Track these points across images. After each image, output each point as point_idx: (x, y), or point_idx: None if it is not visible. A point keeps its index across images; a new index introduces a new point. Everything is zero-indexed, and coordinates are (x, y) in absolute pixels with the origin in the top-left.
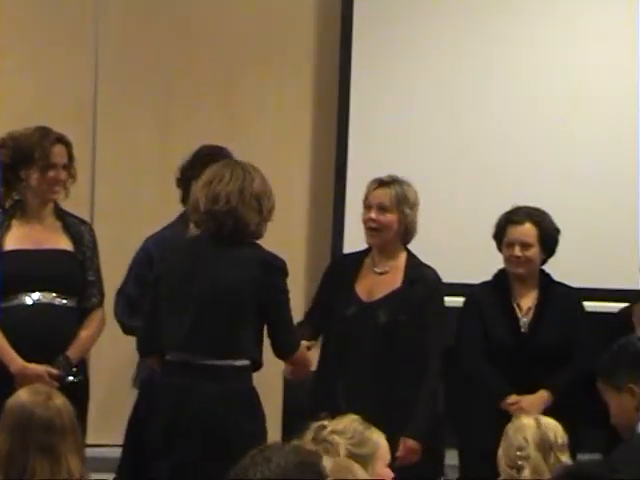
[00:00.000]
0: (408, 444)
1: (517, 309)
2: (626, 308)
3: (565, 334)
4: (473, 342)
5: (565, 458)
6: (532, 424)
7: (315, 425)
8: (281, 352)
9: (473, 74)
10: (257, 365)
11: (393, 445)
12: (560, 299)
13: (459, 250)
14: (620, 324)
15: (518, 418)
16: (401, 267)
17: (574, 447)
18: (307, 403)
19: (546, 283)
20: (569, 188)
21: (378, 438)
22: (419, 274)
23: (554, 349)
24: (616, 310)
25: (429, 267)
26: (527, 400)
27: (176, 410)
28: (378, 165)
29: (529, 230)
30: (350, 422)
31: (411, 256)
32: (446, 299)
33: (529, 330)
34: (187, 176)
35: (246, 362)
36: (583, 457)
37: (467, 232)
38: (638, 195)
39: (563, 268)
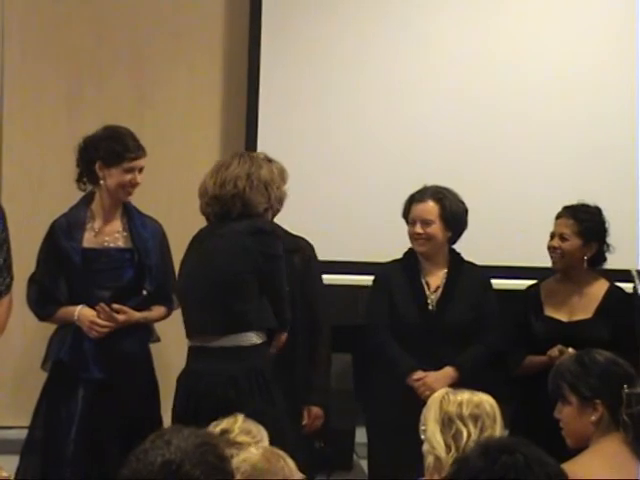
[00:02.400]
0: (313, 412)
1: (425, 287)
2: (533, 286)
3: (473, 312)
4: (381, 319)
5: (472, 429)
6: (438, 398)
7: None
8: (281, 321)
9: (386, 56)
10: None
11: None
12: (468, 277)
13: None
14: (527, 302)
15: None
16: None
17: None
18: None
19: (455, 262)
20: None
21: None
22: (294, 245)
23: (462, 327)
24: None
25: (302, 238)
26: (432, 376)
27: (188, 395)
28: (287, 147)
29: (430, 207)
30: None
31: (281, 228)
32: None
33: (437, 308)
34: (86, 157)
35: (255, 341)
36: None
37: (385, 209)
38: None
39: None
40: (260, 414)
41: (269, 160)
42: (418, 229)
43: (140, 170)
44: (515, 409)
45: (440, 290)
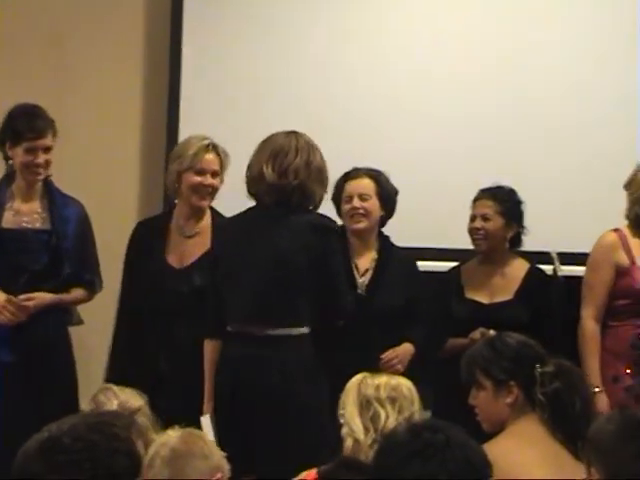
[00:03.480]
0: None
1: (355, 270)
2: (454, 268)
3: (402, 296)
4: None
5: (390, 412)
6: (357, 381)
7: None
8: (336, 316)
9: (318, 36)
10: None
11: None
12: (398, 261)
13: None
14: (448, 284)
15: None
16: (208, 227)
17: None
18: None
19: (385, 245)
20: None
21: None
22: None
23: (392, 312)
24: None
25: None
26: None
27: (237, 381)
28: (210, 126)
29: (367, 183)
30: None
31: (215, 214)
32: None
33: (366, 292)
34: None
35: (305, 330)
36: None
37: None
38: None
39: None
40: (311, 405)
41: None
42: (356, 203)
43: (46, 150)
44: (437, 391)
45: (370, 274)
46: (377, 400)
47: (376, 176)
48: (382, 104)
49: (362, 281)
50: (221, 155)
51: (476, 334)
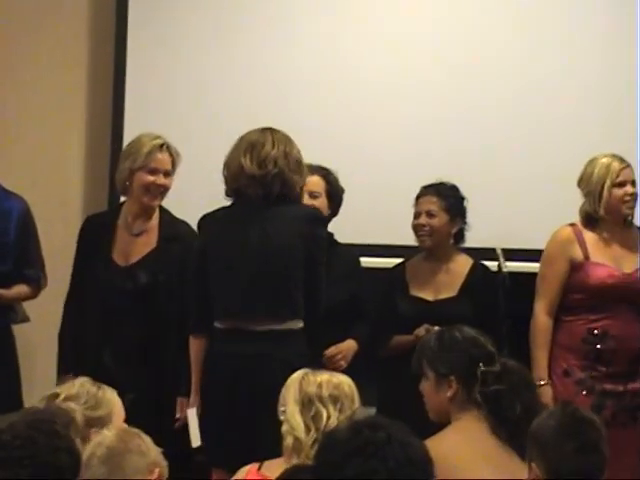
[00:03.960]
0: (186, 403)
1: None
2: (398, 265)
3: (346, 292)
4: None
5: (331, 410)
6: (297, 378)
7: (48, 394)
8: (313, 310)
9: (262, 31)
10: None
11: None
12: (341, 258)
13: None
14: (392, 281)
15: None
16: (156, 226)
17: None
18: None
19: (329, 243)
20: None
21: (111, 396)
22: (175, 231)
23: (337, 308)
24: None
25: (185, 222)
26: (340, 348)
27: (238, 378)
28: (154, 124)
29: (317, 181)
30: (81, 385)
31: (164, 213)
32: None
33: None
34: None
35: (302, 324)
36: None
37: None
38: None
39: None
40: None
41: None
42: (306, 201)
43: None
44: (381, 389)
45: None
46: (319, 398)
47: (326, 174)
48: (324, 100)
49: None
50: (173, 155)
51: (421, 330)
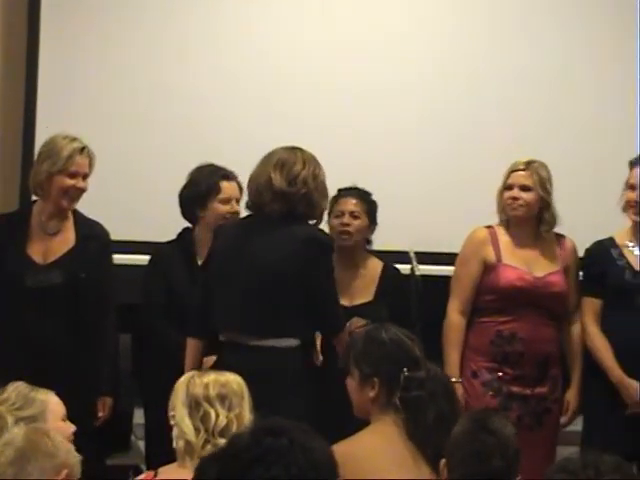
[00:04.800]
0: (107, 403)
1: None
2: None
3: None
4: (156, 300)
5: (220, 410)
6: (185, 381)
7: None
8: (327, 331)
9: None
10: (308, 342)
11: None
12: None
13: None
14: None
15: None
16: (71, 225)
17: None
18: None
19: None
20: None
21: (45, 396)
22: (90, 231)
23: None
24: None
25: (98, 222)
26: (212, 360)
27: None
28: (68, 121)
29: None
30: (14, 388)
31: (76, 212)
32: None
33: None
34: None
35: (292, 342)
36: None
37: (162, 188)
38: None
39: None
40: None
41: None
42: (235, 207)
43: None
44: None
45: None
46: (206, 399)
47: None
48: (222, 92)
49: None
50: (91, 157)
51: (350, 326)
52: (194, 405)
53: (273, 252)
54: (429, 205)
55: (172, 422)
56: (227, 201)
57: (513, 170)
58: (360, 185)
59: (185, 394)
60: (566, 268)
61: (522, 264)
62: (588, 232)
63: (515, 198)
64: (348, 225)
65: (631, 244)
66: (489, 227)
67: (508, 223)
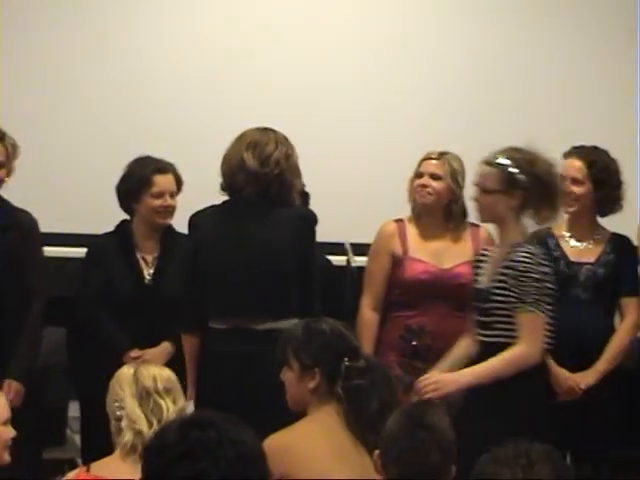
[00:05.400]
0: (13, 387)
1: (142, 261)
2: None
3: None
4: (94, 293)
5: (168, 402)
6: (129, 373)
7: None
8: (308, 308)
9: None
10: None
11: None
12: (182, 249)
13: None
14: None
15: (120, 369)
16: None
17: None
18: None
19: (168, 234)
20: None
21: None
22: (13, 219)
23: (177, 300)
24: None
25: (24, 211)
26: (150, 353)
27: (239, 378)
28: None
29: (170, 179)
30: None
31: (3, 202)
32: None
33: (153, 282)
34: None
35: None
36: None
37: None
38: None
39: None
40: None
41: None
42: (168, 201)
43: None
44: None
45: (155, 263)
46: (155, 391)
47: (173, 170)
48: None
49: (150, 270)
50: (9, 146)
51: None
52: (145, 396)
53: (275, 233)
54: (364, 196)
55: (118, 413)
56: (160, 195)
57: (425, 158)
58: None
59: (134, 385)
60: None
61: (430, 256)
62: None
63: (424, 185)
64: None
65: (567, 234)
66: (398, 220)
67: (419, 215)
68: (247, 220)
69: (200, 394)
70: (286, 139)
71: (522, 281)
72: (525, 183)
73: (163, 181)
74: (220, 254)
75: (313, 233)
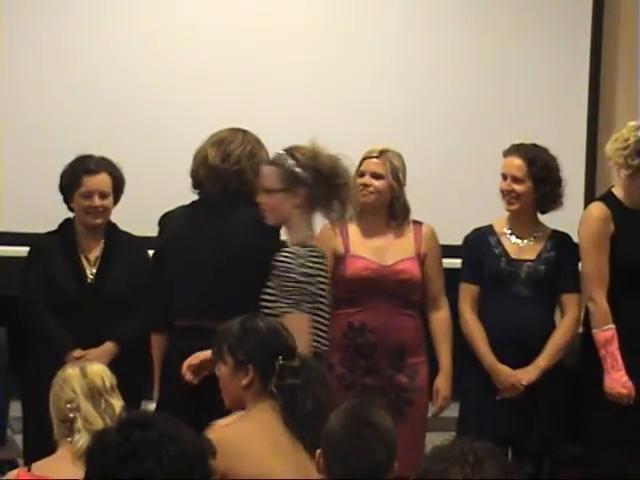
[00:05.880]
0: None
1: (84, 260)
2: None
3: (131, 284)
4: (36, 292)
5: (116, 401)
6: (77, 374)
7: None
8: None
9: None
10: None
11: None
12: (125, 247)
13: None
14: None
15: (62, 370)
16: None
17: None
18: None
19: (111, 232)
20: None
21: None
22: None
23: (120, 299)
24: None
25: None
26: (92, 353)
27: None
28: None
29: (102, 179)
30: None
31: None
32: None
33: (96, 281)
34: None
35: None
36: None
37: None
38: None
39: None
40: None
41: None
42: (97, 202)
43: None
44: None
45: (98, 262)
46: (105, 390)
47: (111, 171)
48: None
49: (92, 270)
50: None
51: None
52: (97, 396)
53: (236, 234)
54: None
55: (70, 415)
56: (88, 195)
57: (366, 157)
58: None
59: (85, 385)
60: (422, 255)
61: (371, 253)
62: None
63: (366, 185)
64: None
65: (508, 232)
66: None
67: (361, 213)
68: (210, 220)
69: (162, 390)
70: (257, 141)
71: (283, 282)
72: (306, 179)
73: (91, 182)
74: (181, 254)
75: (275, 233)
